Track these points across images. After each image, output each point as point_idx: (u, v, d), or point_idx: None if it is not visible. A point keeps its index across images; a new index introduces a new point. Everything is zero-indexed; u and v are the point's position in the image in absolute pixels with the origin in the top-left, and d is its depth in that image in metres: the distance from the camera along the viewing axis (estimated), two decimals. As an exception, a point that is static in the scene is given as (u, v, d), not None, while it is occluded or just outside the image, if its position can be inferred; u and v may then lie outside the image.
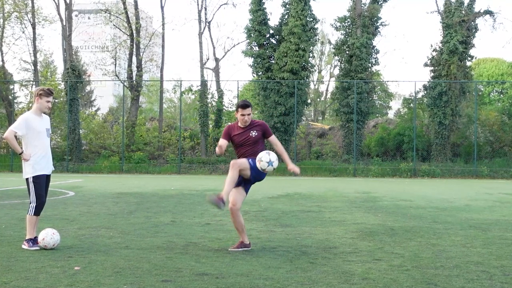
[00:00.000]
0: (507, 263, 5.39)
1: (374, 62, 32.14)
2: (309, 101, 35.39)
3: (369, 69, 31.81)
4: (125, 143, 30.89)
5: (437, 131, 29.50)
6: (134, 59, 33.31)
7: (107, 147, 31.88)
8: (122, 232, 7.21)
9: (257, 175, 5.99)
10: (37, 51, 34.54)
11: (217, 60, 35.32)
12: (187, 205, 11.08)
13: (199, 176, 26.45)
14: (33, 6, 33.59)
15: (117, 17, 34.58)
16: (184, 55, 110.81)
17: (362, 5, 31.52)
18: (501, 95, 44.49)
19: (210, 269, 4.98)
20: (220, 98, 33.17)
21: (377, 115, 45.07)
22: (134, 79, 33.21)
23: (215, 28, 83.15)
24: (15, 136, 6.12)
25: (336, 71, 40.17)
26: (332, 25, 32.54)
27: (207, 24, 34.58)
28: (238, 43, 37.62)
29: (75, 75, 31.71)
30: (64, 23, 32.92)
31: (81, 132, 32.15)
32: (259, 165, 5.79)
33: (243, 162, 5.94)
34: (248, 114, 6.04)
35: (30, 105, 31.61)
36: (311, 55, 32.33)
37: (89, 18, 55.53)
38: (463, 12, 30.05)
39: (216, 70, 35.17)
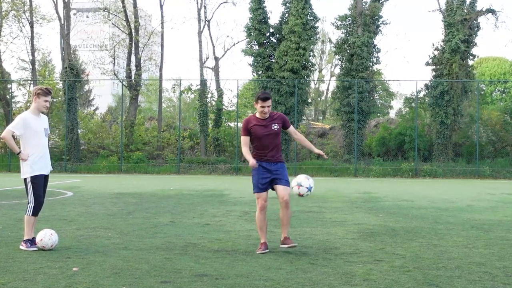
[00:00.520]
0: (510, 264, 5.36)
1: (375, 61, 32.06)
2: (309, 100, 35.35)
3: (370, 68, 31.75)
4: (124, 143, 30.83)
5: (438, 130, 29.41)
6: (133, 58, 33.24)
7: (105, 147, 31.83)
8: (121, 233, 7.18)
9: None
10: (35, 50, 34.44)
11: (216, 59, 35.27)
12: (186, 206, 11.05)
13: (199, 176, 26.43)
14: (31, 5, 33.49)
15: (116, 15, 34.52)
16: (184, 54, 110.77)
17: (363, 4, 31.43)
18: (504, 95, 44.45)
19: (209, 270, 4.96)
20: (219, 97, 33.12)
21: (378, 114, 45.01)
22: (133, 78, 33.14)
23: (215, 27, 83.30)
24: (13, 136, 6.08)
25: (337, 70, 40.13)
26: (333, 23, 32.47)
27: (206, 22, 34.53)
28: (238, 42, 37.45)
29: (74, 74, 31.64)
30: (62, 22, 32.81)
31: (79, 132, 32.07)
32: (297, 190, 5.97)
33: (259, 197, 6.14)
34: (268, 106, 6.05)
35: (28, 104, 31.57)
36: (311, 54, 32.29)
37: (87, 16, 55.43)
38: (465, 10, 29.94)
39: (215, 69, 35.11)
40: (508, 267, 5.21)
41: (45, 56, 40.70)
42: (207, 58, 35.13)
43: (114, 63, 34.68)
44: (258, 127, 6.06)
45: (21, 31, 34.51)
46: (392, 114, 50.40)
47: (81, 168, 29.35)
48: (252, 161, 5.94)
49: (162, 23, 34.50)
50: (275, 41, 31.51)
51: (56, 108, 33.08)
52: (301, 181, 5.93)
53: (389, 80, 50.77)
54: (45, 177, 6.20)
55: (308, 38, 30.44)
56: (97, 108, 52.69)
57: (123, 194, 13.94)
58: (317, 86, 53.43)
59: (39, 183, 6.06)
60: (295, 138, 6.48)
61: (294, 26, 29.74)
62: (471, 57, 30.64)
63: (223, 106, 33.48)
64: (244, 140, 6.10)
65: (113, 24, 35.03)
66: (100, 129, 33.52)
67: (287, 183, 6.09)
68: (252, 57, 31.27)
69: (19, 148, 6.09)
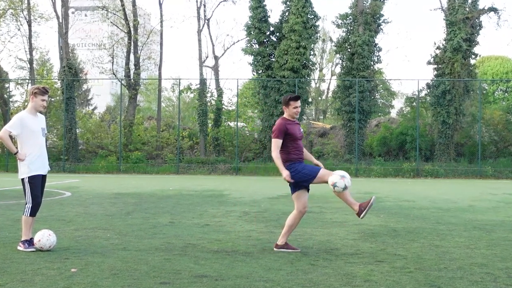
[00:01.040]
0: (513, 265, 5.31)
1: (376, 60, 31.95)
2: (310, 100, 35.31)
3: (371, 67, 31.65)
4: (123, 143, 30.77)
5: (440, 130, 29.33)
6: (131, 57, 33.16)
7: (104, 147, 31.76)
8: (120, 233, 7.15)
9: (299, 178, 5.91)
10: (33, 49, 34.33)
11: (216, 58, 35.22)
12: (186, 206, 11.02)
13: (198, 176, 26.39)
14: (28, 3, 33.39)
15: (115, 14, 34.43)
16: (183, 53, 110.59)
17: (364, 2, 31.36)
18: (506, 94, 44.33)
19: (209, 271, 4.93)
20: (219, 96, 33.07)
21: (380, 114, 44.90)
22: (131, 77, 33.06)
23: (215, 26, 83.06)
24: (10, 136, 6.03)
25: (338, 69, 40.13)
26: (333, 22, 32.37)
27: (206, 21, 34.45)
28: (238, 41, 37.34)
29: (72, 73, 31.57)
30: (61, 20, 32.71)
31: (77, 132, 31.98)
32: (341, 184, 5.74)
33: (298, 202, 5.94)
34: (299, 106, 6.04)
35: (26, 103, 31.51)
36: (312, 53, 32.23)
37: (86, 15, 55.43)
38: (467, 9, 29.84)
39: (215, 68, 35.06)
40: (511, 268, 5.17)
41: (43, 55, 40.67)
42: (207, 57, 35.10)
43: (112, 62, 34.58)
44: (294, 128, 5.99)
45: (18, 29, 34.43)
46: (393, 113, 50.37)
47: (80, 168, 29.29)
48: (286, 173, 5.75)
49: (161, 21, 34.45)
50: (275, 40, 31.46)
51: (54, 108, 33.01)
52: (336, 182, 5.77)
53: (390, 79, 50.78)
54: (43, 177, 6.16)
55: (308, 37, 30.38)
56: (95, 108, 52.58)
57: (122, 194, 13.91)
58: (317, 85, 53.37)
59: (36, 183, 6.02)
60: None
61: (295, 25, 29.69)
62: (473, 56, 30.55)
63: (223, 106, 33.44)
64: (278, 144, 5.87)
65: (111, 22, 34.95)
66: (99, 129, 33.45)
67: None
68: (252, 56, 31.23)
69: (16, 148, 6.06)
